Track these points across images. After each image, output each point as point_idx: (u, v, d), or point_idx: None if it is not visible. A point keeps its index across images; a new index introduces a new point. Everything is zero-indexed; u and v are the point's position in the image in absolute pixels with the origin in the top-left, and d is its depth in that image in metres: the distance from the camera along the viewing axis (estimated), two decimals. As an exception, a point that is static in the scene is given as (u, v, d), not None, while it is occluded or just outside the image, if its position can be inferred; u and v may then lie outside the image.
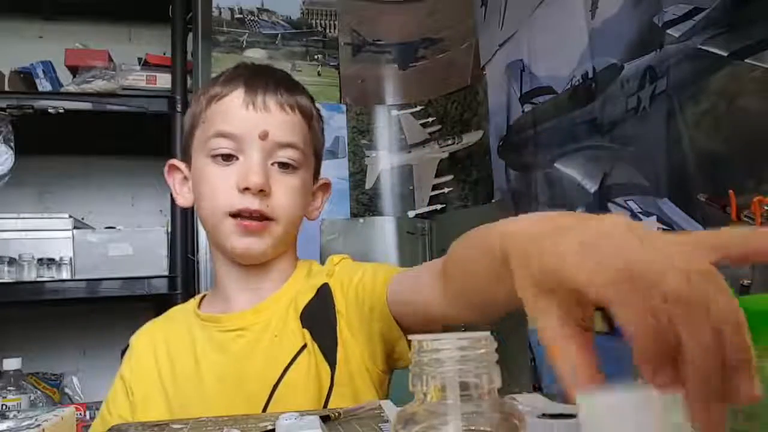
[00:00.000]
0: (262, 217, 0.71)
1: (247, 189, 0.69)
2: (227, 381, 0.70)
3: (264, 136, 0.71)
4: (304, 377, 0.69)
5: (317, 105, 0.81)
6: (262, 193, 0.70)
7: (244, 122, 0.71)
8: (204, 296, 0.82)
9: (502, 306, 0.46)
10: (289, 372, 0.69)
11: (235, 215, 0.70)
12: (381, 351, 0.71)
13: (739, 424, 0.30)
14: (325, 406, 0.68)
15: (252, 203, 0.70)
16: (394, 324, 0.68)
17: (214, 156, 0.72)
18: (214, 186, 0.71)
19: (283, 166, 0.73)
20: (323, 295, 0.74)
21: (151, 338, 0.78)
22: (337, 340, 0.71)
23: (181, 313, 0.82)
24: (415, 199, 1.68)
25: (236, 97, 0.72)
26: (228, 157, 0.71)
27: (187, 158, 0.78)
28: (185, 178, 0.78)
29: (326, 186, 0.83)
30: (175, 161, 0.80)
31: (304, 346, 0.70)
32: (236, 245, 0.71)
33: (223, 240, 0.72)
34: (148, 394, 0.72)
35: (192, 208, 0.77)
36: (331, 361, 0.70)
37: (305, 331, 0.71)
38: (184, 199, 0.79)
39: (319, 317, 0.72)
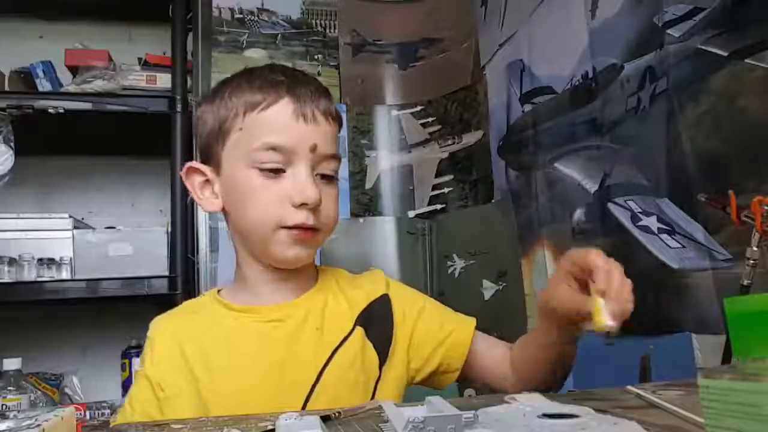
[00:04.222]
0: (314, 228, 0.73)
1: (303, 204, 0.71)
2: (269, 368, 0.71)
3: (314, 149, 0.72)
4: (351, 365, 0.72)
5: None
6: (316, 207, 0.72)
7: (294, 135, 0.72)
8: (219, 291, 0.82)
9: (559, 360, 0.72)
10: (337, 355, 0.72)
11: (288, 227, 0.72)
12: (427, 372, 0.78)
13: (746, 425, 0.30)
14: (372, 396, 0.72)
15: (308, 218, 0.71)
16: (457, 368, 0.78)
17: (263, 169, 0.71)
18: (264, 199, 0.71)
19: (326, 177, 0.74)
20: (383, 304, 0.79)
21: (174, 332, 0.77)
22: (390, 344, 0.76)
23: (200, 306, 0.81)
24: (415, 199, 1.68)
25: (284, 107, 0.72)
26: (277, 171, 0.72)
27: (211, 162, 0.76)
28: (207, 181, 0.77)
29: None
30: (194, 164, 0.77)
31: (350, 334, 0.74)
32: (288, 254, 0.73)
33: (272, 249, 0.73)
34: (181, 389, 0.72)
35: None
36: (382, 357, 0.75)
37: (360, 328, 0.75)
38: (210, 204, 0.77)
39: (377, 321, 0.77)
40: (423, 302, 0.82)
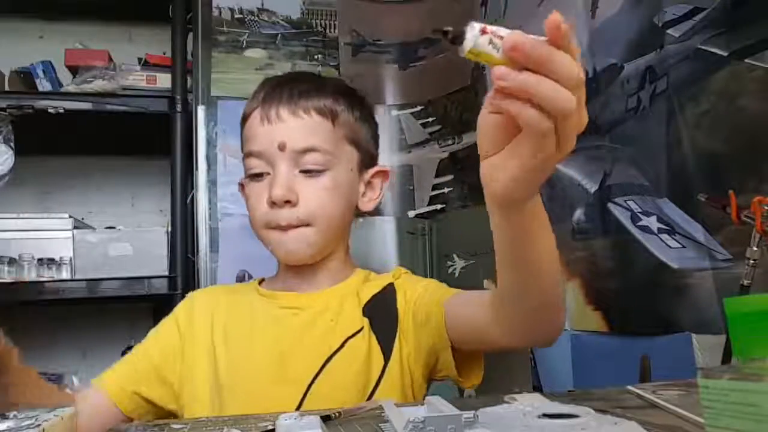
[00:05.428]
0: (292, 225, 0.74)
1: (273, 203, 0.73)
2: (278, 353, 0.73)
3: (282, 147, 0.74)
4: (355, 359, 0.72)
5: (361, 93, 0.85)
6: (289, 203, 0.73)
7: (263, 138, 0.75)
8: (262, 280, 0.86)
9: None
10: (341, 351, 0.73)
11: (271, 227, 0.75)
12: (424, 359, 0.74)
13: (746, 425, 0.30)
14: (370, 396, 0.71)
15: (281, 215, 0.74)
16: (446, 337, 0.70)
17: (249, 175, 0.77)
18: (252, 203, 0.77)
19: (308, 171, 0.75)
20: (389, 293, 0.78)
21: (213, 299, 0.82)
22: (396, 334, 0.75)
23: (242, 287, 0.89)
24: (415, 199, 1.68)
25: (255, 115, 0.77)
26: (258, 176, 0.76)
27: None
28: None
29: (383, 173, 0.84)
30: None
31: (361, 329, 0.74)
32: (281, 252, 0.77)
33: (271, 249, 0.78)
34: (201, 356, 0.76)
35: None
36: (386, 352, 0.74)
37: (366, 319, 0.75)
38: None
39: (382, 311, 0.76)
40: (426, 282, 0.79)
